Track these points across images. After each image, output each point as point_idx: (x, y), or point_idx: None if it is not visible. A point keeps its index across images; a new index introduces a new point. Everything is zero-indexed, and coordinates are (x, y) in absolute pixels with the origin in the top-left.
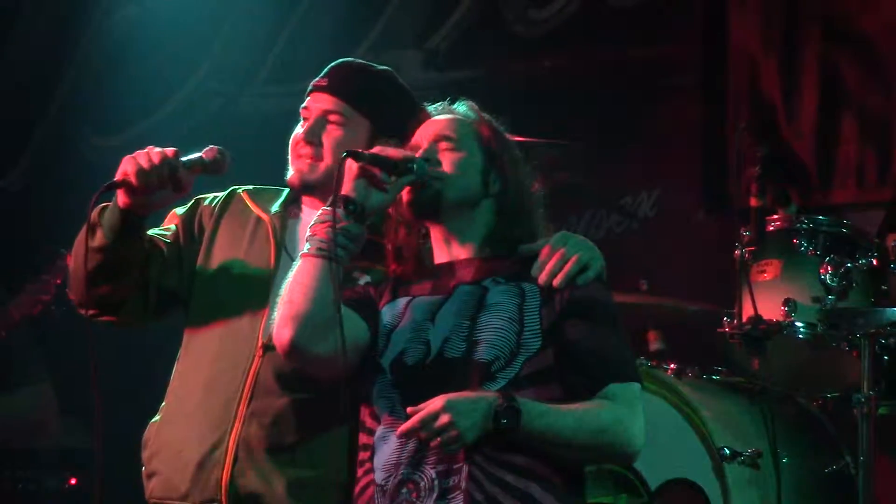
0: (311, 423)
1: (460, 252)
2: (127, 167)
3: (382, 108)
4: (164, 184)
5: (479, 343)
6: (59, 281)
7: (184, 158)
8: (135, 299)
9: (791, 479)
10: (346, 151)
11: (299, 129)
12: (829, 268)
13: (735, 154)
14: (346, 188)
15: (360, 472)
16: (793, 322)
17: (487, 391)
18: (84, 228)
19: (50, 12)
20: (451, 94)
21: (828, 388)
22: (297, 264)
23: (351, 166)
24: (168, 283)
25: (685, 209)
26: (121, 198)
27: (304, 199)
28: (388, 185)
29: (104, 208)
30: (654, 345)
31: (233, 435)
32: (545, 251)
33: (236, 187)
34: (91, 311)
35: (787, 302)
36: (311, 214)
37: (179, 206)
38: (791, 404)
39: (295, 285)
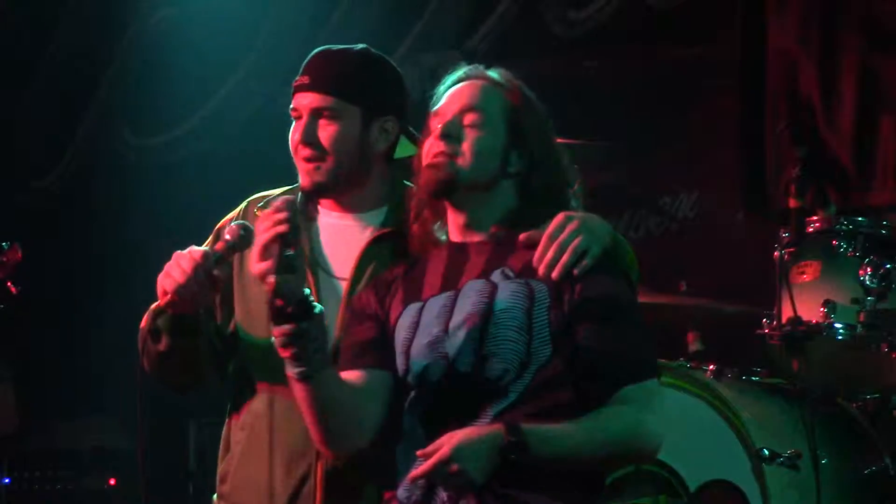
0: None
1: (473, 235)
2: (165, 285)
3: (367, 91)
4: (204, 288)
5: (488, 358)
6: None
7: (212, 252)
8: (212, 372)
9: (830, 480)
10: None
11: (294, 133)
12: (869, 269)
13: (774, 155)
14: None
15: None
16: (832, 323)
17: (493, 425)
18: (142, 334)
19: (89, 15)
20: None
21: (867, 390)
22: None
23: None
24: (224, 331)
25: (724, 210)
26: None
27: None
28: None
29: (158, 311)
30: (694, 346)
31: (318, 468)
32: (543, 240)
33: (249, 201)
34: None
35: (826, 303)
36: (328, 215)
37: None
38: (830, 406)
39: (307, 414)
